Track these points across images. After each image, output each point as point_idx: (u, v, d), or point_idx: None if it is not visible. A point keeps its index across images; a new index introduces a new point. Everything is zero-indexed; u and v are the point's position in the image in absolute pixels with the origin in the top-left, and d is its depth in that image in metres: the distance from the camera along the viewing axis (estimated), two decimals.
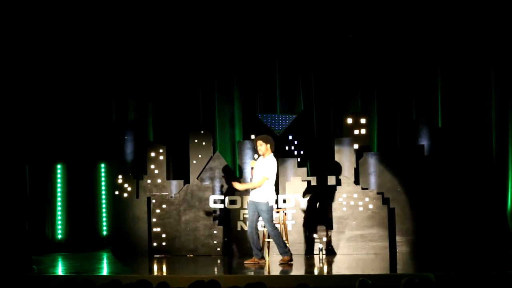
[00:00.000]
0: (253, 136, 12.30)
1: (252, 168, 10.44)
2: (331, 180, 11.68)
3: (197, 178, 12.15)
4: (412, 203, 11.52)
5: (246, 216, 11.44)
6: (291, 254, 10.44)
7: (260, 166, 10.35)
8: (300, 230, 11.50)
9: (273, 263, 10.35)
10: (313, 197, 11.59)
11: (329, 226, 11.56)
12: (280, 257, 10.51)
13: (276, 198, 10.62)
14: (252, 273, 9.49)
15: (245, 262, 10.47)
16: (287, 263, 10.24)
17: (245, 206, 11.55)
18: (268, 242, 10.52)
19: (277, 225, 10.50)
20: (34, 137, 12.97)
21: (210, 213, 11.85)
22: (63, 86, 13.33)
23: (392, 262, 10.69)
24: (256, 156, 10.51)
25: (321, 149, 13.57)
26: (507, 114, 12.82)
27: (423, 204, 11.49)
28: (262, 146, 10.34)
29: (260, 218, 10.41)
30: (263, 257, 10.44)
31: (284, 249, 10.38)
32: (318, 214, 11.67)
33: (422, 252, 11.33)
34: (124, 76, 13.61)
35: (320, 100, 13.87)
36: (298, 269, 10.06)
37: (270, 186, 10.33)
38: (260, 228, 10.65)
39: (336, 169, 11.89)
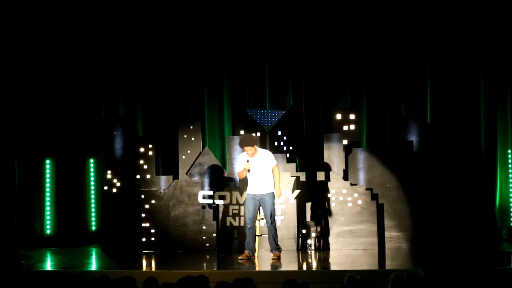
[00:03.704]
0: (242, 132, 12.30)
1: (248, 170, 10.35)
2: (320, 176, 11.69)
3: (186, 174, 12.14)
4: (401, 199, 11.55)
5: (235, 211, 11.47)
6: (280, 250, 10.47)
7: (262, 161, 10.31)
8: (289, 226, 11.49)
9: (261, 259, 10.36)
10: (302, 193, 11.59)
11: (318, 222, 11.57)
12: (268, 253, 10.53)
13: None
14: (241, 269, 9.48)
15: (239, 257, 10.41)
16: (278, 259, 10.24)
17: (234, 201, 11.56)
18: (257, 237, 10.50)
19: (264, 221, 10.52)
20: (23, 132, 12.92)
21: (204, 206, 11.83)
22: (53, 81, 13.29)
23: (380, 257, 10.71)
24: (248, 158, 10.36)
25: (310, 144, 13.59)
26: (495, 110, 12.90)
27: (412, 200, 11.52)
28: (252, 150, 10.28)
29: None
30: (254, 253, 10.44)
31: (277, 245, 10.39)
32: (307, 210, 11.68)
33: (410, 247, 11.37)
34: (114, 71, 13.58)
35: (310, 95, 13.87)
36: (287, 265, 10.05)
37: (271, 176, 10.42)
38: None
39: (325, 165, 11.90)
